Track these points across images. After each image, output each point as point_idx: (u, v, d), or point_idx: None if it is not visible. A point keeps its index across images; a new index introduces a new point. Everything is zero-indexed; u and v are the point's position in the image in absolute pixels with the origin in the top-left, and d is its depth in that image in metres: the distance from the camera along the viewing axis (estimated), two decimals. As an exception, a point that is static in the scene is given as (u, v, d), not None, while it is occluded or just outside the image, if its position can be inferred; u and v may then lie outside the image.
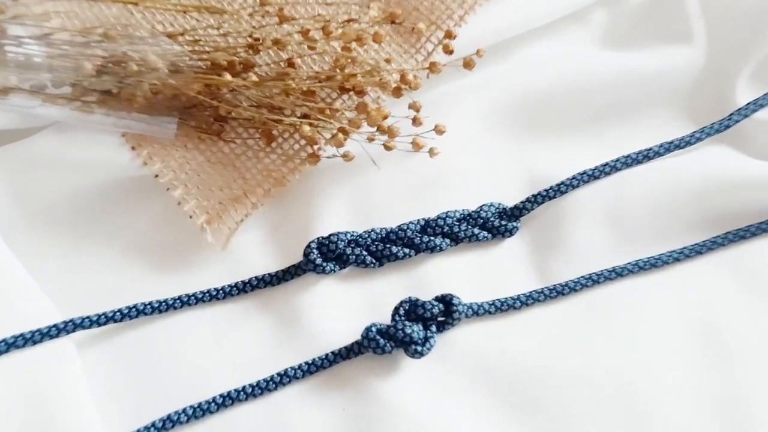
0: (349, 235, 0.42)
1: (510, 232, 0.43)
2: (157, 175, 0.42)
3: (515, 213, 0.44)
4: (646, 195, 0.43)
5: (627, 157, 0.45)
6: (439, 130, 0.43)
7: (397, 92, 0.42)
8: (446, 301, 0.41)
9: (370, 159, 0.42)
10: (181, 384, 0.39)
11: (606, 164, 0.45)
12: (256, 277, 0.42)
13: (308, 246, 0.41)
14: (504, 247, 0.43)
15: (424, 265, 0.43)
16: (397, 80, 0.42)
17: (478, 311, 0.41)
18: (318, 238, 0.42)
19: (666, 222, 0.43)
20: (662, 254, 0.43)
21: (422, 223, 0.43)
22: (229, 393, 0.39)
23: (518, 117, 0.46)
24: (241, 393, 0.39)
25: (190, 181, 0.42)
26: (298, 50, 0.42)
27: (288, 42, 0.41)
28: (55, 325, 0.39)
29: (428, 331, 0.40)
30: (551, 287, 0.42)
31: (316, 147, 0.43)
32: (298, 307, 0.41)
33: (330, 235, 0.42)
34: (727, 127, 0.46)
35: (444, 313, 0.41)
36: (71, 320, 0.39)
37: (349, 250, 0.41)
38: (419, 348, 0.40)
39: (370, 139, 0.42)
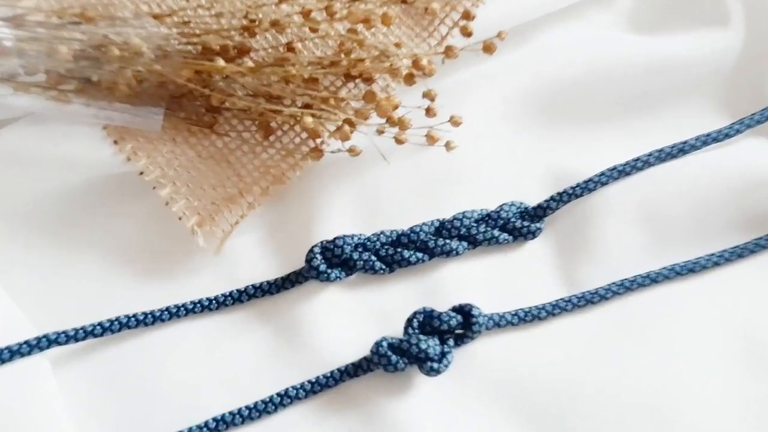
0: (356, 239, 0.39)
1: (533, 234, 0.41)
2: (142, 172, 0.40)
3: (538, 213, 0.41)
4: (682, 192, 0.42)
5: (660, 151, 0.42)
6: (454, 122, 0.41)
7: (409, 79, 0.39)
8: (465, 312, 0.38)
9: (378, 154, 0.40)
10: (169, 406, 0.37)
11: (637, 159, 0.42)
12: (252, 286, 0.39)
13: (311, 251, 0.39)
14: (526, 251, 0.41)
15: (439, 271, 0.40)
16: (410, 66, 0.39)
17: (500, 323, 0.39)
18: (322, 242, 0.39)
19: (704, 222, 0.41)
20: (700, 258, 0.41)
21: (437, 224, 0.40)
22: (222, 416, 0.37)
23: (541, 107, 0.44)
24: (237, 416, 0.37)
25: (179, 178, 0.40)
26: (299, 33, 0.40)
27: (287, 24, 0.39)
28: (26, 342, 0.37)
29: (445, 346, 0.38)
30: (579, 295, 0.40)
31: (319, 140, 0.41)
32: (299, 319, 0.39)
33: (335, 238, 0.39)
34: (768, 118, 0.44)
35: (462, 325, 0.38)
36: (45, 336, 0.37)
37: (356, 255, 0.39)
38: (435, 365, 0.37)
39: (380, 132, 0.40)
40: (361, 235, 0.40)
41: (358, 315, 0.39)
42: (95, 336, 0.37)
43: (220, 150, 0.41)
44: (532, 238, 0.41)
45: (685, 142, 0.43)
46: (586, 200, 0.42)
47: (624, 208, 0.41)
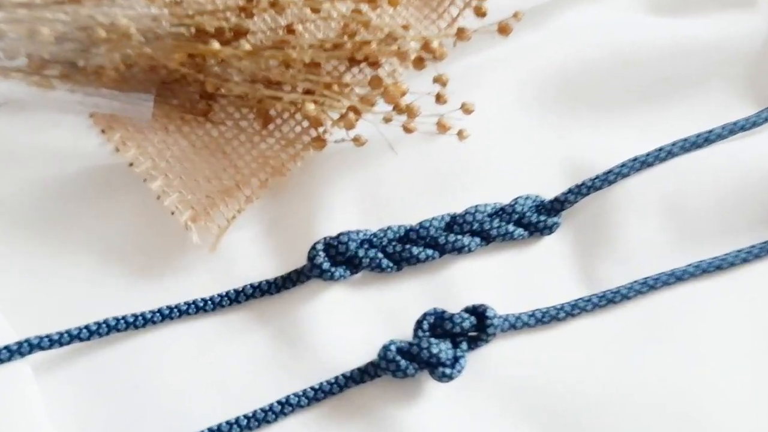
0: (361, 234, 0.38)
1: (550, 229, 0.40)
2: (131, 164, 0.39)
3: (556, 206, 0.40)
4: (707, 184, 0.41)
5: (685, 140, 0.41)
6: (466, 109, 0.40)
7: (418, 63, 0.38)
8: (479, 313, 0.37)
9: (385, 143, 0.39)
10: (161, 415, 0.36)
11: (661, 149, 0.41)
12: (251, 285, 0.38)
13: (313, 248, 0.38)
14: (543, 247, 0.40)
15: (451, 269, 0.39)
16: (419, 49, 0.37)
17: (516, 324, 0.38)
18: (325, 239, 0.38)
19: (732, 216, 0.40)
20: (728, 254, 0.40)
21: (447, 219, 0.39)
22: (219, 426, 0.36)
23: (558, 94, 0.43)
24: (234, 426, 0.35)
25: (171, 170, 0.39)
26: (300, 14, 0.39)
27: (287, 4, 0.37)
28: (6, 347, 0.35)
29: (458, 350, 0.36)
30: (600, 294, 0.38)
31: (321, 129, 0.39)
32: (301, 321, 0.38)
33: (339, 234, 0.38)
34: (800, 105, 0.43)
35: (476, 327, 0.37)
36: (27, 340, 0.36)
37: (361, 252, 0.38)
38: (448, 370, 0.36)
39: (387, 120, 0.38)
40: (366, 230, 0.39)
41: (364, 316, 0.38)
42: (81, 340, 0.36)
43: (215, 140, 0.40)
44: (548, 234, 0.40)
45: (710, 131, 0.42)
46: (606, 193, 0.40)
47: (646, 201, 0.40)
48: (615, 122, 0.43)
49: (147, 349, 0.37)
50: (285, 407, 0.36)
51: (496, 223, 0.39)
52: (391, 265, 0.38)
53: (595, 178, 0.40)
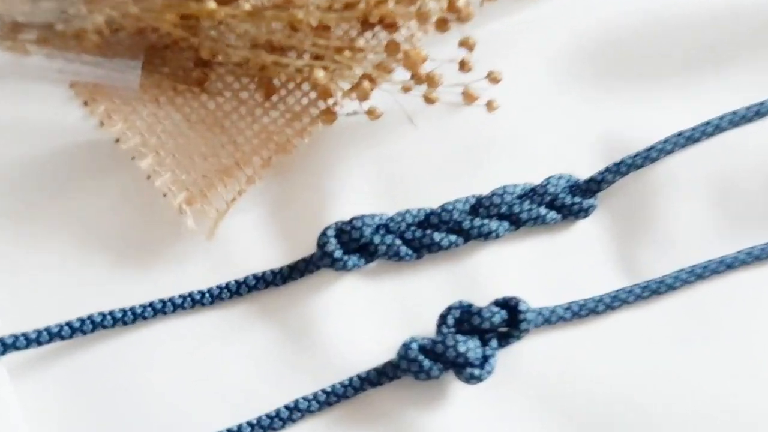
0: (377, 219, 0.37)
1: (585, 212, 0.38)
2: (118, 140, 0.38)
3: (591, 187, 0.38)
4: (759, 162, 0.39)
5: (734, 113, 0.40)
6: (493, 78, 0.38)
7: (442, 25, 0.36)
8: (510, 306, 0.35)
9: (402, 116, 0.37)
10: (153, 422, 0.35)
11: (707, 123, 0.39)
12: (253, 276, 0.37)
13: (323, 233, 0.37)
14: (577, 232, 0.38)
15: (476, 257, 0.38)
16: (443, 9, 0.35)
17: (551, 318, 0.36)
18: (336, 223, 0.37)
19: None
20: None
21: (473, 201, 0.38)
22: None
23: (593, 62, 0.41)
24: None
25: (163, 147, 0.38)
26: None
27: None
28: None
29: (487, 348, 0.35)
30: (642, 284, 0.37)
31: (331, 101, 0.38)
32: (310, 316, 0.37)
33: (352, 218, 0.37)
34: None
35: (507, 322, 0.35)
36: (1, 339, 0.34)
37: (377, 239, 0.36)
38: (476, 371, 0.34)
39: (406, 89, 0.37)
40: (382, 214, 0.37)
41: (381, 310, 0.37)
42: (62, 338, 0.35)
43: (212, 113, 0.39)
44: (584, 217, 0.38)
45: (762, 103, 0.40)
46: (646, 172, 0.39)
47: (692, 181, 0.39)
48: (656, 94, 0.41)
49: (137, 348, 0.36)
50: (293, 413, 0.34)
51: (526, 205, 0.38)
52: (410, 252, 0.37)
53: (635, 156, 0.39)
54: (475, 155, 0.39)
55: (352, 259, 0.37)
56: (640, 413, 0.35)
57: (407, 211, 0.37)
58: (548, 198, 0.38)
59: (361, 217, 0.37)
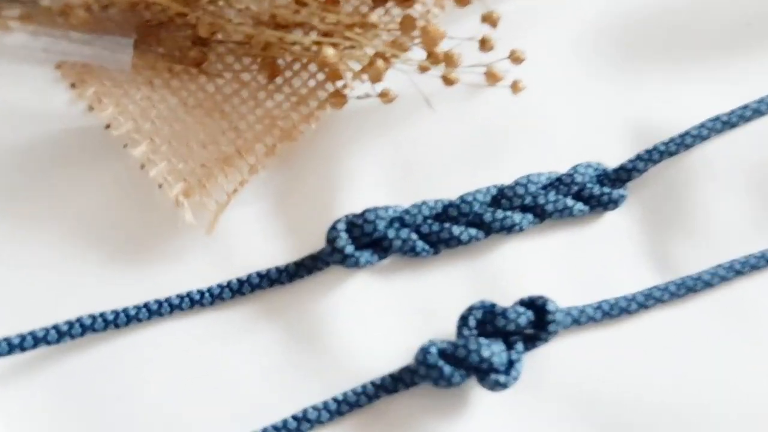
0: (391, 211, 0.36)
1: (614, 203, 0.37)
2: (108, 125, 0.37)
3: (621, 176, 0.37)
4: None
5: None
6: (516, 58, 0.37)
7: None
8: (537, 306, 0.34)
9: (418, 99, 0.36)
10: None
11: (745, 107, 0.38)
12: (257, 274, 0.36)
13: (333, 227, 0.35)
14: (606, 224, 0.37)
15: (498, 252, 0.37)
16: None
17: (580, 319, 0.35)
18: (347, 216, 0.36)
19: None
20: None
21: (494, 191, 0.37)
22: None
23: (622, 41, 0.40)
24: None
25: (158, 133, 0.37)
26: None
27: None
28: None
29: (513, 351, 0.33)
30: (677, 281, 0.36)
31: (340, 83, 0.37)
32: (319, 317, 0.36)
33: (364, 211, 0.35)
34: None
35: (533, 324, 0.34)
36: None
37: (391, 233, 0.35)
38: (501, 377, 0.32)
39: (423, 69, 0.35)
40: (397, 206, 0.36)
41: (396, 311, 0.36)
42: (49, 343, 0.34)
43: (211, 96, 0.38)
44: (613, 208, 0.37)
45: None
46: (680, 159, 0.38)
47: (729, 169, 0.38)
48: (690, 75, 0.40)
49: (130, 353, 0.35)
50: (302, 423, 0.33)
51: (551, 196, 0.37)
52: (426, 247, 0.36)
53: (669, 142, 0.37)
54: (496, 142, 0.38)
55: (364, 255, 0.36)
56: (678, 419, 0.34)
57: (424, 203, 0.36)
58: (575, 188, 0.37)
59: (374, 210, 0.36)
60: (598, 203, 0.37)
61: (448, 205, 0.36)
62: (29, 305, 0.35)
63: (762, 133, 0.38)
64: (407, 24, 0.34)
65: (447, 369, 0.32)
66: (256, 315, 0.36)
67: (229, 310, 0.36)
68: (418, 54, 0.35)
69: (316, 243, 0.36)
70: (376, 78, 0.35)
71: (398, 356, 0.34)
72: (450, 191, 0.37)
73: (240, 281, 0.36)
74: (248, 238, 0.37)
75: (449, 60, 0.35)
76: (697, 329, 0.35)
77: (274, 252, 0.37)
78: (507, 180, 0.37)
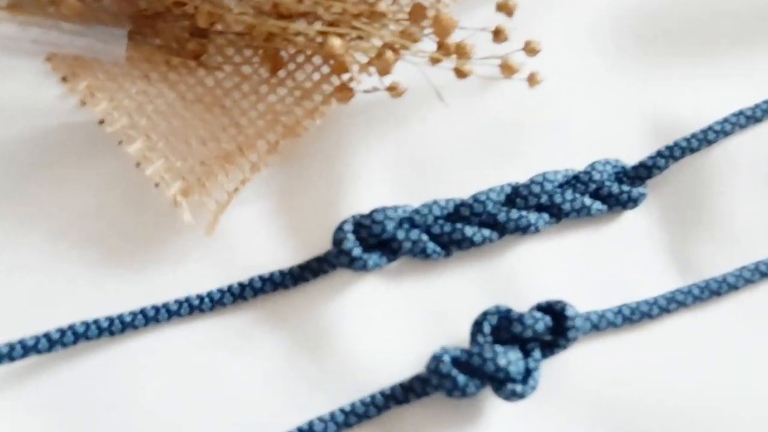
0: (400, 211, 0.35)
1: (634, 202, 0.36)
2: (102, 121, 0.36)
3: (641, 173, 0.37)
4: None
5: None
6: (531, 50, 0.36)
7: None
8: (555, 311, 0.33)
9: (428, 93, 0.35)
10: None
11: None
12: (259, 277, 0.35)
13: (339, 228, 0.35)
14: (625, 224, 0.37)
15: (513, 254, 0.36)
16: None
17: (599, 324, 0.34)
18: (354, 217, 0.35)
19: None
20: None
21: (509, 190, 0.36)
22: None
23: (639, 34, 0.40)
24: None
25: (154, 129, 0.36)
26: None
27: None
28: None
29: (530, 359, 0.32)
30: (701, 284, 0.35)
31: (346, 76, 0.36)
32: (325, 323, 0.35)
33: (372, 211, 0.35)
34: None
35: (552, 329, 0.33)
36: None
37: (401, 234, 0.35)
38: (518, 387, 0.31)
39: (434, 62, 0.35)
40: (406, 206, 0.35)
41: (406, 316, 0.35)
42: (39, 352, 0.33)
43: (210, 90, 0.38)
44: (632, 207, 0.37)
45: None
46: (703, 156, 0.37)
47: (753, 166, 0.37)
48: (710, 68, 0.40)
49: (126, 362, 0.34)
50: None
51: (568, 195, 0.36)
52: (437, 249, 0.35)
53: (691, 138, 0.37)
54: (510, 137, 0.38)
55: (373, 258, 0.35)
56: (702, 428, 0.33)
57: (434, 202, 0.36)
58: (593, 186, 0.36)
59: (383, 210, 0.35)
60: (616, 202, 0.36)
61: (460, 205, 0.35)
62: (18, 312, 0.34)
63: (788, 128, 0.37)
64: (417, 13, 0.33)
65: (461, 378, 0.31)
66: (258, 321, 0.35)
67: (230, 316, 0.35)
68: (428, 45, 0.34)
69: (322, 245, 0.35)
70: (384, 70, 0.34)
71: (409, 364, 0.33)
72: (462, 190, 0.36)
73: (241, 285, 0.35)
74: (250, 240, 0.36)
75: (461, 51, 0.34)
76: (721, 334, 0.34)
77: (278, 254, 0.36)
78: (522, 178, 0.36)
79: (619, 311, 0.34)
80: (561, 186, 0.36)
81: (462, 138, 0.37)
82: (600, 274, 0.35)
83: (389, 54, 0.33)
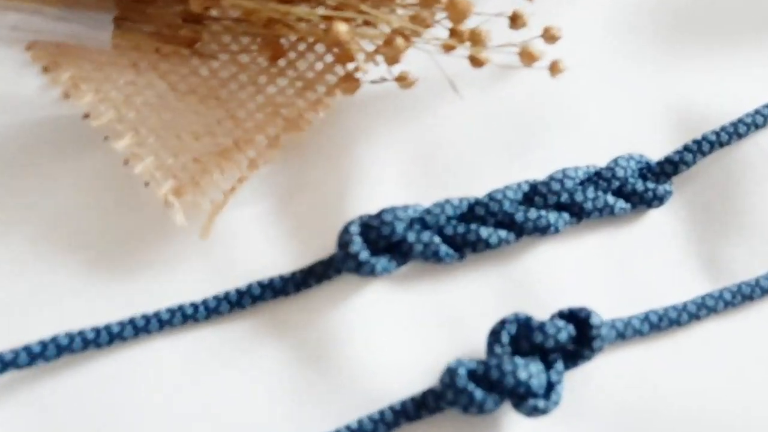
0: (410, 211, 0.34)
1: (659, 200, 0.36)
2: (87, 115, 0.35)
3: (666, 169, 0.36)
4: None
5: None
6: (551, 36, 0.35)
7: None
8: (579, 319, 0.32)
9: (440, 84, 0.34)
10: None
11: None
12: (259, 283, 0.34)
13: (345, 230, 0.34)
14: (650, 224, 0.36)
15: (531, 256, 0.35)
16: None
17: (625, 332, 0.33)
18: (360, 217, 0.34)
19: None
20: None
21: (526, 188, 0.35)
22: None
23: (662, 20, 0.39)
24: None
25: (144, 123, 0.35)
26: None
27: None
28: None
29: (552, 372, 0.31)
30: (732, 288, 0.34)
31: (352, 65, 0.35)
32: (329, 332, 0.33)
33: (381, 211, 0.34)
34: None
35: (575, 339, 0.32)
36: None
37: (411, 236, 0.34)
38: (541, 403, 0.30)
39: (447, 49, 0.33)
40: (417, 205, 0.34)
41: (417, 324, 0.34)
42: (19, 367, 0.31)
43: (205, 81, 0.37)
44: (657, 206, 0.36)
45: None
46: (733, 150, 0.36)
47: None
48: (738, 57, 0.39)
49: (114, 376, 0.32)
50: None
51: (590, 192, 0.35)
52: (451, 252, 0.34)
53: (720, 131, 0.36)
54: (528, 132, 0.37)
55: (381, 262, 0.34)
56: None
57: (447, 201, 0.34)
58: (616, 183, 0.35)
59: (392, 210, 0.34)
60: (641, 200, 0.35)
61: (475, 204, 0.34)
62: (2, 319, 0.32)
63: (823, 120, 0.36)
64: (428, -3, 0.32)
65: (478, 393, 0.29)
66: (257, 331, 0.33)
67: (227, 326, 0.33)
68: (440, 32, 0.33)
69: (326, 248, 0.34)
70: (393, 59, 0.33)
71: (420, 377, 0.32)
72: (477, 188, 0.35)
73: (239, 292, 0.33)
74: (248, 243, 0.35)
75: (476, 38, 0.33)
76: (756, 341, 0.33)
77: (278, 259, 0.35)
78: (540, 175, 0.35)
79: (645, 318, 0.33)
80: (582, 183, 0.35)
81: (476, 132, 0.36)
82: (624, 277, 0.34)
83: (399, 41, 0.32)
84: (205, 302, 0.33)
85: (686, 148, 0.35)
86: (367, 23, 0.32)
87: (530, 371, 0.30)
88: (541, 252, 0.35)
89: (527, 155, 0.36)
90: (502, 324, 0.31)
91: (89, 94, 0.35)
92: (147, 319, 0.32)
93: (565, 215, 0.34)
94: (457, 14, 0.31)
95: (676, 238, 0.35)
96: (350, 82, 0.35)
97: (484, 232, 0.34)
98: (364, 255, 0.33)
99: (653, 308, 0.33)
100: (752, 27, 0.39)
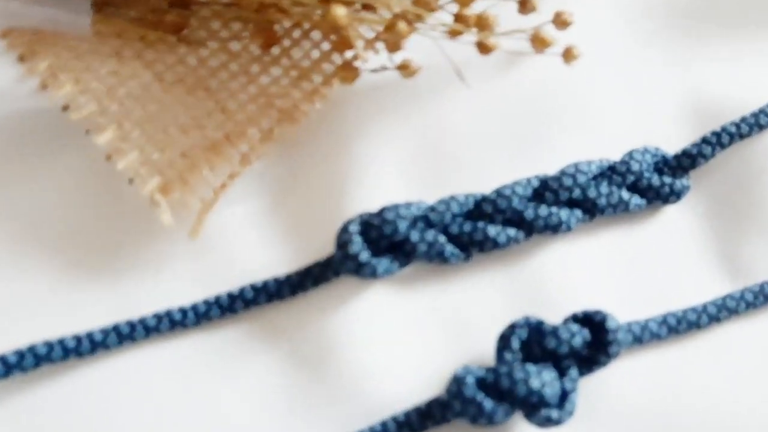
0: (413, 209, 0.33)
1: (676, 195, 0.35)
2: (67, 107, 0.33)
3: (683, 163, 0.35)
4: None
5: None
6: (562, 22, 0.35)
7: None
8: (594, 323, 0.31)
9: (445, 73, 0.34)
10: None
11: None
12: (252, 286, 0.33)
13: (344, 229, 0.33)
14: (666, 220, 0.35)
15: (542, 256, 0.34)
16: None
17: (642, 336, 0.32)
18: (360, 216, 0.33)
19: None
20: None
21: (536, 183, 0.34)
22: None
23: (677, 3, 0.39)
24: None
25: (128, 116, 0.33)
26: None
27: None
28: None
29: (566, 379, 0.30)
30: (754, 288, 0.33)
31: (351, 53, 0.34)
32: (328, 338, 0.32)
33: (382, 209, 0.33)
34: None
35: (590, 344, 0.31)
36: None
37: (414, 235, 0.33)
38: (554, 413, 0.29)
39: (453, 35, 0.33)
40: (421, 202, 0.33)
41: (421, 329, 0.33)
42: None
43: (193, 70, 0.35)
44: (674, 201, 0.35)
45: None
46: (754, 143, 0.35)
47: None
48: (759, 45, 0.38)
49: (97, 387, 0.31)
50: None
51: (603, 188, 0.34)
52: (456, 252, 0.33)
53: (740, 122, 0.35)
54: (538, 124, 0.36)
55: (382, 263, 0.32)
56: None
57: (452, 198, 0.33)
58: (631, 178, 0.34)
59: (394, 207, 0.32)
60: (657, 196, 0.34)
61: (482, 201, 0.33)
62: None
63: None
64: (431, -20, 0.30)
65: (487, 403, 0.28)
66: (251, 337, 0.32)
67: (218, 332, 0.32)
68: (445, 16, 0.32)
69: (324, 248, 0.33)
70: (395, 46, 0.31)
71: (425, 386, 0.31)
72: (484, 183, 0.34)
73: (231, 296, 0.32)
74: (240, 244, 0.34)
75: (483, 23, 0.32)
76: None
77: (273, 260, 0.33)
78: (551, 169, 0.34)
79: (663, 321, 0.32)
80: (595, 178, 0.34)
81: (484, 123, 0.35)
82: (639, 277, 0.33)
83: (401, 26, 0.31)
84: (194, 307, 0.32)
85: (704, 141, 0.34)
86: (366, 7, 0.31)
87: (543, 379, 0.29)
88: (553, 251, 0.34)
89: (537, 148, 0.35)
90: (511, 328, 0.30)
91: (68, 85, 0.33)
92: (132, 325, 0.31)
93: (578, 212, 0.33)
94: (464, -1, 0.30)
95: (693, 235, 0.34)
96: (349, 71, 0.33)
97: (492, 230, 0.33)
98: (365, 256, 0.32)
99: (671, 310, 0.32)
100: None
